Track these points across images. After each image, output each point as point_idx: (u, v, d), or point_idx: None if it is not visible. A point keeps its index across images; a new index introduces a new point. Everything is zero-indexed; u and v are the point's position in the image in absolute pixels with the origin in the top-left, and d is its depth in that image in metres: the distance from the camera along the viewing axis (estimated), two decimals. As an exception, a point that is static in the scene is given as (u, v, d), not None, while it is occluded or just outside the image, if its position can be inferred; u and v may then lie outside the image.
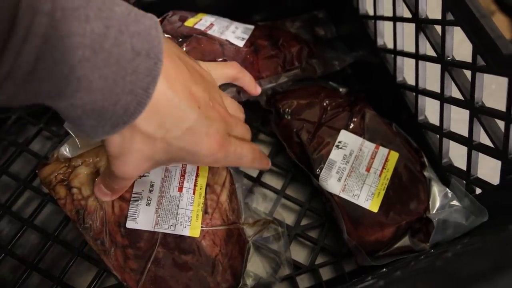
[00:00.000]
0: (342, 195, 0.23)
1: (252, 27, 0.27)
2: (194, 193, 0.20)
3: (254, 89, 0.23)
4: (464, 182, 0.22)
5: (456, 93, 0.21)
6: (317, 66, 0.27)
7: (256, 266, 0.22)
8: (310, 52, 0.28)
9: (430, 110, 0.25)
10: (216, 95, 0.18)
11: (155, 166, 0.17)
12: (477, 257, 0.15)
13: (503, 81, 0.18)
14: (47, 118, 0.27)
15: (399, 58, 0.25)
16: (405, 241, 0.22)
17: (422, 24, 0.22)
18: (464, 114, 0.21)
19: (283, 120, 0.26)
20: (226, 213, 0.21)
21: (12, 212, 0.24)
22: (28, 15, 0.11)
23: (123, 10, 0.13)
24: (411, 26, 0.23)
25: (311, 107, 0.25)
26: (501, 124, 0.19)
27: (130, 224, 0.19)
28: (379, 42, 0.27)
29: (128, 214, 0.19)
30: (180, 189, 0.20)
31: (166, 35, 0.24)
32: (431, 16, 0.22)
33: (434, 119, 0.24)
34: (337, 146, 0.24)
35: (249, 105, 0.28)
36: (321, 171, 0.24)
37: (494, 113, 0.19)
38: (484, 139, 0.20)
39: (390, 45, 0.26)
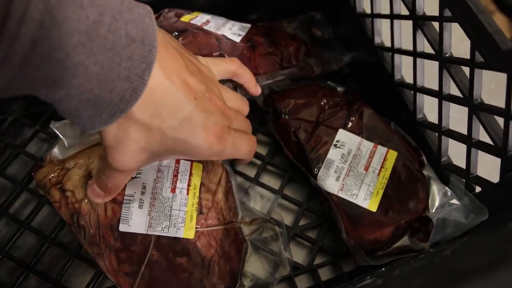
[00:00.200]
0: (341, 194, 0.23)
1: (248, 25, 0.27)
2: (187, 194, 0.20)
3: (254, 88, 0.23)
4: (464, 180, 0.22)
5: (454, 91, 0.21)
6: (314, 66, 0.27)
7: (254, 266, 0.22)
8: (307, 52, 0.28)
9: (428, 108, 0.24)
10: (214, 88, 0.18)
11: (153, 158, 0.16)
12: (475, 254, 0.15)
13: (503, 79, 0.18)
14: (44, 120, 0.27)
15: (396, 56, 0.25)
16: (404, 240, 0.22)
17: (419, 21, 0.22)
18: (463, 113, 0.21)
19: (280, 119, 0.25)
20: (222, 212, 0.20)
21: (9, 214, 0.24)
22: (23, 0, 0.11)
23: (114, 4, 0.13)
24: (409, 24, 0.23)
25: (308, 106, 0.25)
26: (500, 121, 0.19)
27: (123, 227, 0.19)
28: (377, 40, 0.27)
29: (121, 217, 0.19)
30: (173, 189, 0.19)
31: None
32: (429, 13, 0.22)
33: (432, 118, 0.24)
34: (335, 145, 0.24)
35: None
36: (319, 171, 0.23)
37: (493, 110, 0.19)
38: (483, 137, 0.20)
39: (387, 43, 0.26)
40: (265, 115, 0.27)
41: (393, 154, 0.24)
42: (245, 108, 0.21)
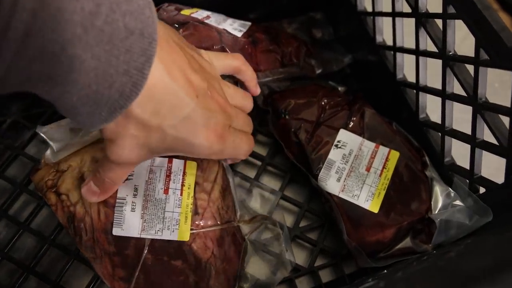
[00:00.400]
0: (342, 195, 0.23)
1: (249, 23, 0.27)
2: (181, 194, 0.19)
3: (255, 87, 0.22)
4: (467, 181, 0.22)
5: (458, 90, 0.21)
6: (315, 66, 0.27)
7: (254, 267, 0.22)
8: (308, 52, 0.27)
9: (431, 108, 0.24)
10: (216, 85, 0.17)
11: (152, 154, 0.16)
12: (480, 256, 0.15)
13: (507, 79, 0.17)
14: (43, 121, 0.27)
15: (399, 55, 0.25)
16: (406, 242, 0.21)
17: (422, 19, 0.22)
18: (467, 113, 0.20)
19: (280, 119, 0.25)
20: (219, 211, 0.20)
21: (8, 216, 0.24)
22: None
23: None
24: (411, 22, 0.23)
25: (309, 106, 0.25)
26: (505, 120, 0.18)
27: (116, 231, 0.18)
28: (378, 39, 0.26)
29: (114, 221, 0.18)
30: (166, 191, 0.19)
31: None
32: (431, 10, 0.21)
33: (435, 117, 0.24)
34: (336, 145, 0.24)
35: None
36: (320, 171, 0.23)
37: (498, 109, 0.19)
38: (488, 137, 0.20)
39: (389, 42, 0.25)
40: (265, 115, 0.27)
41: (395, 155, 0.23)
42: (248, 104, 0.20)
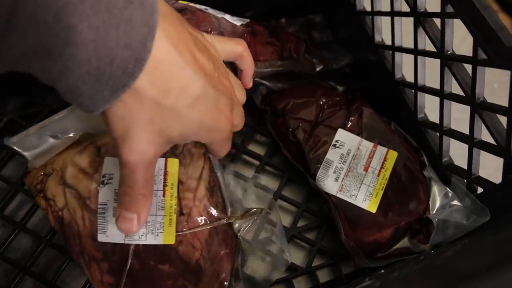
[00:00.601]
0: (340, 195, 0.22)
1: (247, 20, 0.26)
2: (164, 195, 0.18)
3: (250, 78, 0.20)
4: (465, 181, 0.22)
5: (456, 89, 0.21)
6: (315, 63, 0.27)
7: (248, 265, 0.21)
8: (307, 49, 0.27)
9: (429, 108, 0.24)
10: (221, 68, 0.16)
11: (168, 143, 0.15)
12: (477, 256, 0.15)
13: (506, 79, 0.17)
14: (39, 120, 0.27)
15: (397, 54, 0.25)
16: (404, 242, 0.21)
17: (421, 18, 0.22)
18: (465, 113, 0.20)
19: (279, 119, 0.25)
20: (207, 210, 0.18)
21: (4, 216, 0.24)
22: None
23: None
24: (409, 21, 0.23)
25: (307, 106, 0.25)
26: (503, 120, 0.18)
27: (101, 238, 0.18)
28: (377, 38, 0.26)
29: (98, 228, 0.18)
30: None
31: None
32: (430, 9, 0.21)
33: (433, 117, 0.24)
34: (334, 145, 0.24)
35: (244, 104, 0.27)
36: (317, 171, 0.23)
37: (496, 109, 0.19)
38: (486, 137, 0.20)
39: (388, 42, 0.25)
40: (263, 115, 0.27)
41: (393, 155, 0.23)
42: (243, 97, 0.19)
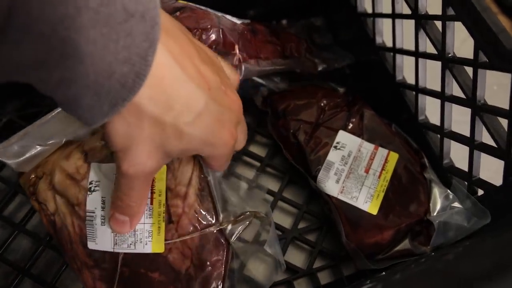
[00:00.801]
0: (341, 197, 0.22)
1: (248, 21, 0.26)
2: (151, 203, 0.17)
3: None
4: (466, 183, 0.22)
5: (457, 92, 0.21)
6: (317, 62, 0.27)
7: (242, 271, 0.20)
8: (308, 48, 0.27)
9: (430, 110, 0.24)
10: (227, 80, 0.16)
11: (168, 157, 0.14)
12: (479, 259, 0.15)
13: (506, 81, 0.17)
14: (39, 120, 0.26)
15: (398, 57, 0.25)
16: (405, 244, 0.21)
17: (422, 20, 0.22)
18: (466, 116, 0.20)
19: (279, 120, 0.25)
20: (197, 216, 0.18)
21: (3, 217, 0.24)
22: None
23: None
24: (411, 23, 0.23)
25: (308, 107, 0.25)
26: (504, 122, 0.18)
27: (91, 245, 0.17)
28: (378, 40, 0.26)
29: (87, 235, 0.17)
30: None
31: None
32: (431, 12, 0.21)
33: (434, 119, 0.24)
34: (335, 147, 0.24)
35: (245, 106, 0.27)
36: (318, 173, 0.23)
37: (497, 111, 0.19)
38: (486, 139, 0.20)
39: (389, 44, 0.25)
40: (264, 116, 0.27)
41: (394, 156, 0.23)
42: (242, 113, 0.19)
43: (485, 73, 0.19)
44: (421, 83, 0.23)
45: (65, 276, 0.22)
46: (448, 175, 0.23)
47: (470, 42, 0.19)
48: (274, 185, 0.26)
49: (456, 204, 0.21)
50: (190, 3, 0.24)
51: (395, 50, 0.25)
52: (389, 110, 0.26)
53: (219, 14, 0.24)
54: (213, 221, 0.18)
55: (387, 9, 0.24)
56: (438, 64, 0.21)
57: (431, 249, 0.21)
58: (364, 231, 0.22)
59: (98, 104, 0.12)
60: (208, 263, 0.18)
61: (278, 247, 0.19)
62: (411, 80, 0.24)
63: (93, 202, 0.18)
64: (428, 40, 0.22)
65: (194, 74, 0.14)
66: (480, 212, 0.20)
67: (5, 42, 0.10)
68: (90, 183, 0.18)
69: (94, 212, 0.17)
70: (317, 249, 0.23)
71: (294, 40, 0.26)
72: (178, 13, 0.22)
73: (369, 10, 0.26)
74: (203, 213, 0.18)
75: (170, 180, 0.18)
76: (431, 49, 0.22)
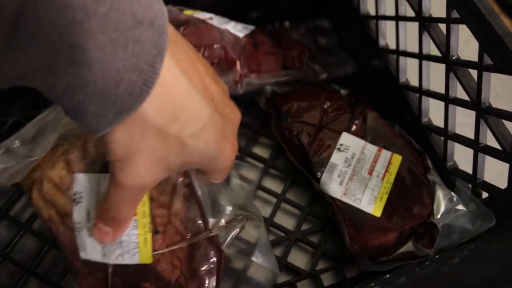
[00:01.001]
0: (344, 199, 0.22)
1: (252, 27, 0.27)
2: (136, 214, 0.17)
3: None
4: (470, 186, 0.22)
5: (461, 94, 0.21)
6: (318, 71, 0.27)
7: (233, 280, 0.19)
8: (311, 56, 0.27)
9: (434, 113, 0.24)
10: (228, 93, 0.16)
11: (167, 171, 0.14)
12: (485, 264, 0.14)
13: (509, 83, 0.17)
14: (45, 121, 0.27)
15: (401, 59, 0.25)
16: (409, 246, 0.21)
17: (425, 23, 0.22)
18: (470, 118, 0.20)
19: (283, 122, 0.25)
20: (185, 225, 0.17)
21: (9, 217, 0.24)
22: None
23: None
24: (414, 26, 0.23)
25: (311, 109, 0.25)
26: (508, 125, 0.18)
27: (82, 255, 0.17)
28: (381, 42, 0.26)
29: (78, 245, 0.17)
30: None
31: None
32: (435, 14, 0.21)
33: (438, 121, 0.24)
34: (339, 149, 0.24)
35: (249, 107, 0.28)
36: (322, 175, 0.23)
37: (502, 114, 0.19)
38: (491, 142, 0.20)
39: (392, 46, 0.25)
40: (267, 118, 0.27)
41: (397, 158, 0.23)
42: None
43: (489, 76, 0.19)
44: (424, 85, 0.23)
45: (70, 276, 0.22)
46: (452, 178, 0.23)
47: (473, 43, 0.19)
48: (277, 187, 0.26)
49: (460, 207, 0.21)
50: (195, 15, 0.24)
51: (399, 52, 0.25)
52: (392, 112, 0.26)
53: (222, 27, 0.24)
54: (202, 229, 0.18)
55: (391, 11, 0.24)
56: (442, 66, 0.21)
57: (435, 252, 0.21)
58: (368, 233, 0.22)
59: (104, 112, 0.12)
60: (199, 272, 0.17)
61: (271, 254, 0.18)
62: (414, 82, 0.24)
63: (79, 214, 0.17)
64: (432, 42, 0.22)
65: (199, 84, 0.14)
66: (485, 215, 0.20)
67: (12, 47, 0.10)
68: (75, 194, 0.17)
69: (81, 224, 0.17)
70: (320, 251, 0.23)
71: (296, 48, 0.27)
72: (182, 29, 0.23)
73: (372, 13, 0.26)
74: (191, 221, 0.17)
75: (152, 190, 0.17)
76: (434, 51, 0.22)
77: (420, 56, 0.23)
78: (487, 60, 0.18)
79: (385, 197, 0.22)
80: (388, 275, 0.20)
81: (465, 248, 0.20)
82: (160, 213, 0.17)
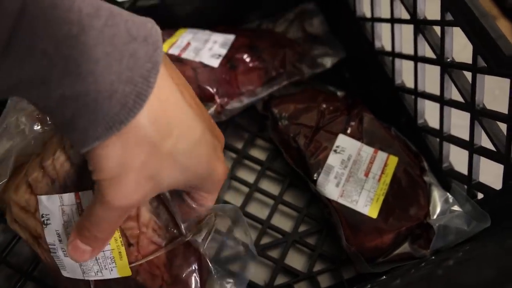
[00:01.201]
0: (341, 200, 0.23)
1: (232, 37, 0.26)
2: None
3: None
4: (465, 187, 0.22)
5: (456, 96, 0.21)
6: (304, 68, 0.27)
7: (218, 284, 0.18)
8: (295, 55, 0.27)
9: (429, 114, 0.24)
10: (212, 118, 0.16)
11: (155, 191, 0.13)
12: (480, 265, 0.15)
13: (507, 86, 0.17)
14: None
15: (397, 61, 0.25)
16: (405, 247, 0.21)
17: (420, 25, 0.22)
18: (465, 119, 0.20)
19: (279, 125, 0.25)
20: (157, 233, 0.17)
21: (6, 221, 0.24)
22: None
23: (112, 6, 0.12)
24: (409, 28, 0.23)
25: (308, 111, 0.25)
26: (503, 127, 0.19)
27: (64, 274, 0.17)
28: (377, 44, 0.26)
29: (58, 265, 0.17)
30: None
31: None
32: (430, 17, 0.22)
33: (433, 123, 0.24)
34: (335, 150, 0.24)
35: (246, 110, 0.28)
36: (318, 176, 0.23)
37: (496, 116, 0.19)
38: (485, 143, 0.20)
39: (388, 48, 0.26)
40: (264, 120, 0.27)
41: (393, 160, 0.24)
42: None
43: (483, 78, 0.19)
44: (420, 87, 0.24)
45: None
46: (448, 179, 0.23)
47: (470, 47, 0.19)
48: (274, 189, 0.26)
49: (456, 208, 0.21)
50: (170, 53, 0.24)
51: (394, 55, 0.25)
52: (388, 114, 0.26)
53: (197, 60, 0.24)
54: (176, 235, 0.17)
55: (386, 14, 0.25)
56: (437, 68, 0.21)
57: (431, 253, 0.21)
58: (364, 234, 0.22)
59: (93, 127, 0.11)
60: (181, 277, 0.17)
61: (253, 256, 0.17)
62: (410, 83, 0.25)
63: (50, 235, 0.16)
64: (427, 44, 0.22)
65: (192, 101, 0.14)
66: (480, 216, 0.20)
67: (7, 58, 0.10)
68: (42, 216, 0.17)
69: (54, 245, 0.17)
70: (317, 252, 0.24)
71: (279, 53, 0.26)
72: None
73: (368, 15, 0.26)
74: (162, 229, 0.17)
75: None
76: (430, 53, 0.22)
77: (415, 58, 0.23)
78: (481, 63, 0.18)
79: (382, 198, 0.22)
80: (384, 277, 0.20)
81: (460, 249, 0.20)
82: (129, 225, 0.16)
